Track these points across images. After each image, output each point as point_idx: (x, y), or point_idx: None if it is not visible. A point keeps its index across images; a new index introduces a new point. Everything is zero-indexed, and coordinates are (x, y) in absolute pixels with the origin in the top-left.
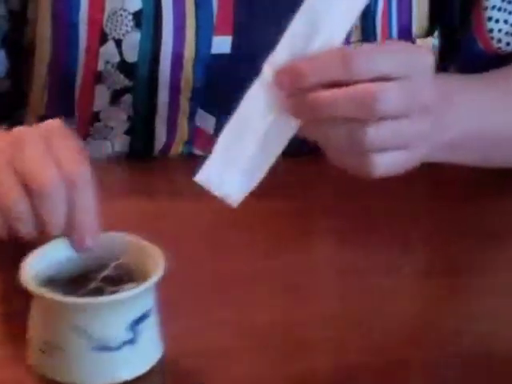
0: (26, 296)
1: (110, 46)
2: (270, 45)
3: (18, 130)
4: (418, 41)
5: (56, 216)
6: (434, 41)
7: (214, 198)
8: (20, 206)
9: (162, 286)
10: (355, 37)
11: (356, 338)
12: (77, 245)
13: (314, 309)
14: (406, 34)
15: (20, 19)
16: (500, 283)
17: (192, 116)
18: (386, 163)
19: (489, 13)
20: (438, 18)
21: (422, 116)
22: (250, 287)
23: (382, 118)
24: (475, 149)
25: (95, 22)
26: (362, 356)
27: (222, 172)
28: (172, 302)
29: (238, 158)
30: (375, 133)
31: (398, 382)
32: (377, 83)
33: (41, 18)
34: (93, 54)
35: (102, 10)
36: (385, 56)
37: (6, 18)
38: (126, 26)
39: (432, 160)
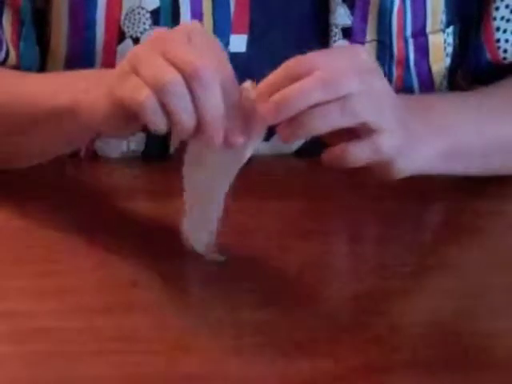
0: None
1: (128, 44)
2: (283, 43)
3: (158, 30)
4: (431, 37)
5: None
6: (446, 37)
7: None
8: (177, 85)
9: (161, 287)
10: (370, 36)
11: (355, 337)
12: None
13: (314, 308)
14: (420, 31)
15: (43, 18)
16: (501, 281)
17: None
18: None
19: (497, 23)
20: (457, 14)
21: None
22: (250, 287)
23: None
24: (472, 157)
25: (112, 20)
26: (362, 356)
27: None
28: (171, 303)
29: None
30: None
31: (398, 382)
32: None
33: (57, 17)
34: (110, 52)
35: (120, 8)
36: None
37: (33, 15)
38: (144, 24)
39: (427, 172)
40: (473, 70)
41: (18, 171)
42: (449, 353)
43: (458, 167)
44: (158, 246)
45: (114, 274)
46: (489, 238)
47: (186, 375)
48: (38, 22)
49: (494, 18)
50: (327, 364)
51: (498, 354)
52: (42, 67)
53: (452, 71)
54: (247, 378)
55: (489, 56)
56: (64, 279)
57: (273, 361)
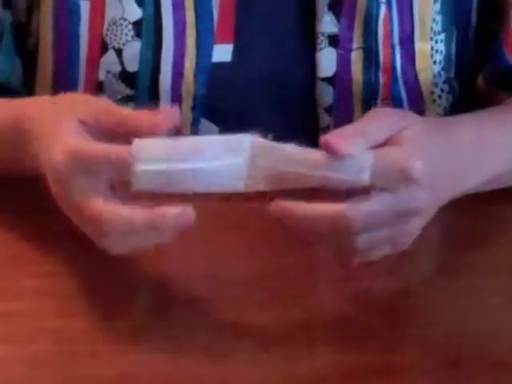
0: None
1: (111, 55)
2: (269, 52)
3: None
4: (418, 44)
5: None
6: (434, 44)
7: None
8: None
9: (161, 287)
10: (356, 44)
11: (356, 338)
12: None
13: (313, 308)
14: (407, 39)
15: (25, 30)
16: (500, 284)
17: (195, 125)
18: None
19: None
20: (454, 21)
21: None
22: (250, 287)
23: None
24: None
25: (95, 32)
26: (362, 356)
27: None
28: (172, 302)
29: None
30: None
31: (398, 383)
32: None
33: (43, 29)
34: (93, 63)
35: (102, 19)
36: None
37: (13, 27)
38: (126, 35)
39: None
40: (495, 75)
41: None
42: (449, 353)
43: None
44: (157, 247)
45: (114, 275)
46: (489, 239)
47: (186, 375)
48: (19, 34)
49: None
50: (327, 364)
51: (498, 355)
52: (28, 78)
53: (460, 78)
54: (247, 377)
55: (510, 60)
56: (64, 280)
57: (273, 361)
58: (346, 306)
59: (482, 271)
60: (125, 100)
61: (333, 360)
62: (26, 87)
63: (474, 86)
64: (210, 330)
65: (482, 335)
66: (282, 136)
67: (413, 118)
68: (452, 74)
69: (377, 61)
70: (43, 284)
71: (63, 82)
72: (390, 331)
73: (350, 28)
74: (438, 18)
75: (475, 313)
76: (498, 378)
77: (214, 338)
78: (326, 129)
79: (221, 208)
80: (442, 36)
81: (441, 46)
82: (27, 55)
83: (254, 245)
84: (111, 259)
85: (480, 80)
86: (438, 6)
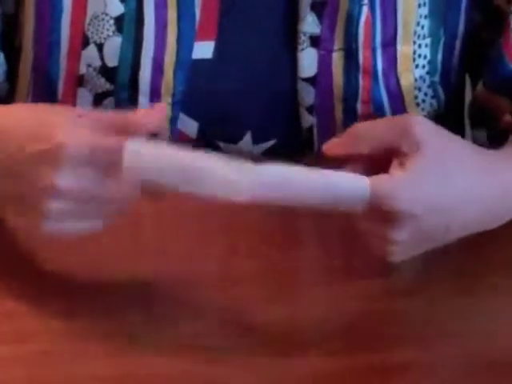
0: None
1: (92, 49)
2: (251, 50)
3: None
4: (400, 47)
5: None
6: (417, 48)
7: None
8: None
9: (161, 287)
10: (337, 45)
11: (356, 337)
12: None
13: (313, 308)
14: (389, 42)
15: (13, 22)
16: (500, 283)
17: (174, 120)
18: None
19: None
20: (442, 27)
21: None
22: (250, 287)
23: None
24: None
25: (77, 26)
26: (362, 356)
27: None
28: (171, 303)
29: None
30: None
31: (398, 382)
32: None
33: (26, 21)
34: (74, 57)
35: (84, 13)
36: None
37: (1, 20)
38: (108, 30)
39: None
40: (494, 81)
41: None
42: (449, 353)
43: None
44: (156, 247)
45: (114, 274)
46: (488, 238)
47: (186, 375)
48: (7, 29)
49: None
50: (327, 364)
51: (498, 354)
52: (13, 71)
53: (446, 84)
54: (247, 377)
55: (511, 66)
56: (64, 280)
57: (271, 360)
58: (346, 305)
59: (481, 271)
60: (104, 95)
61: (332, 360)
62: (12, 84)
63: (461, 93)
64: (210, 330)
65: (481, 335)
66: (263, 134)
67: (429, 144)
68: (437, 79)
69: (357, 63)
70: (43, 284)
71: (43, 75)
72: (390, 331)
73: (332, 29)
74: (425, 22)
75: (475, 313)
76: (497, 378)
77: (213, 338)
78: (310, 129)
79: (221, 208)
80: (428, 41)
81: (425, 51)
82: (14, 52)
83: (253, 245)
84: (111, 259)
85: (479, 87)
86: (425, 11)
